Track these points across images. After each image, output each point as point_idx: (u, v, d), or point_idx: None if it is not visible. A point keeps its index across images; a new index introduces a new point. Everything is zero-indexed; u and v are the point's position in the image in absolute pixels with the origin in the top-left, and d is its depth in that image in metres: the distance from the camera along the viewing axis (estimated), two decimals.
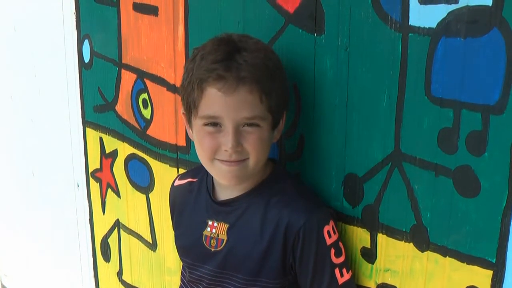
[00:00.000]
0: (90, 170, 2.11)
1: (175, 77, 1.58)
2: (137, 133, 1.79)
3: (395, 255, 1.16)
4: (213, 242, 1.26)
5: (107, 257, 2.13)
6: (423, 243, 1.10)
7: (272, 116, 1.16)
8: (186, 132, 1.39)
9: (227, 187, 1.25)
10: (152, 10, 1.62)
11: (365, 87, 1.14)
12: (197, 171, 1.37)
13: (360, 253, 1.23)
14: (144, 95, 1.72)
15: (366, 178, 1.17)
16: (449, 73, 1.00)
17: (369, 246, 1.20)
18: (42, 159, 2.48)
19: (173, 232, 1.44)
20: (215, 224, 1.27)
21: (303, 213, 1.17)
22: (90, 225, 2.19)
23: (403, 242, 1.14)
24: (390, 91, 1.09)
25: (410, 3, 1.03)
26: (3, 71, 2.64)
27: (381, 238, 1.18)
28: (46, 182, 2.51)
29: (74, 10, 1.99)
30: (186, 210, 1.36)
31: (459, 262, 1.05)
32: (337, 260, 1.18)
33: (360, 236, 1.22)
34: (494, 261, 1.00)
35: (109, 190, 2.01)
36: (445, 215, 1.05)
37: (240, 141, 1.13)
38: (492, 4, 0.92)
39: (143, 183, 1.82)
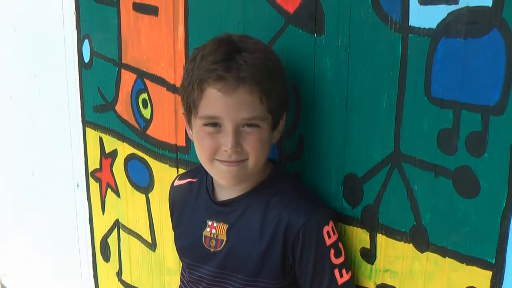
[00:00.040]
0: (90, 170, 2.11)
1: (175, 77, 1.58)
2: (137, 133, 1.79)
3: (395, 255, 1.16)
4: (213, 243, 1.26)
5: (106, 257, 2.13)
6: (422, 243, 1.10)
7: (272, 116, 1.16)
8: (186, 132, 1.39)
9: (226, 187, 1.25)
10: (152, 10, 1.62)
11: (365, 87, 1.13)
12: (197, 171, 1.37)
13: (359, 253, 1.23)
14: (144, 95, 1.72)
15: (366, 178, 1.17)
16: (449, 73, 1.00)
17: (368, 247, 1.20)
18: (42, 159, 2.48)
19: (173, 232, 1.44)
20: (215, 225, 1.27)
21: (303, 214, 1.17)
22: (90, 225, 2.19)
23: (402, 242, 1.14)
24: (390, 92, 1.09)
25: (410, 3, 1.03)
26: (3, 71, 2.64)
27: (381, 238, 1.17)
28: (46, 182, 2.51)
29: (74, 10, 1.99)
30: (186, 210, 1.36)
31: (458, 263, 1.05)
32: (337, 261, 1.18)
33: (360, 237, 1.21)
34: (493, 262, 1.00)
35: (109, 190, 2.01)
36: (445, 216, 1.05)
37: (240, 142, 1.13)
38: (492, 5, 0.92)
39: (143, 183, 1.82)
